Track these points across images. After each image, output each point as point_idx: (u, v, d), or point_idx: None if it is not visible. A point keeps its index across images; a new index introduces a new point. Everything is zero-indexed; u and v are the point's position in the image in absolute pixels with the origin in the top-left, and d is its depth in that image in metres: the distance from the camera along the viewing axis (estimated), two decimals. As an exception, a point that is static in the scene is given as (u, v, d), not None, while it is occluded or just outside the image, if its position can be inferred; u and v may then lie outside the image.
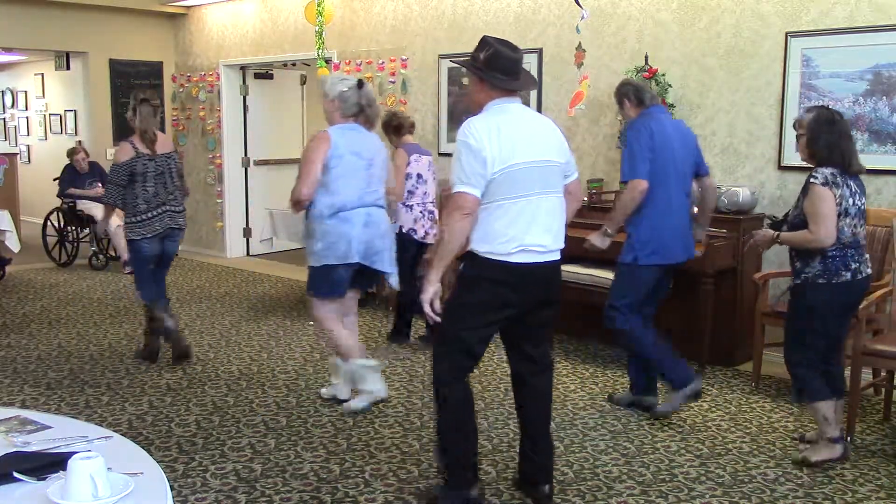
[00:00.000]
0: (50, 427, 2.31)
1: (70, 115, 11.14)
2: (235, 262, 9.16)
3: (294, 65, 9.23)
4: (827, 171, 3.50)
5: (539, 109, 6.38)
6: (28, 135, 12.51)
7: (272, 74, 9.49)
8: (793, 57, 5.09)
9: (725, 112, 5.44)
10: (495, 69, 3.10)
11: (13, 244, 7.66)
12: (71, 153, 8.69)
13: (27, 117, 12.53)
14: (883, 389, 4.42)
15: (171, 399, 4.59)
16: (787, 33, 5.12)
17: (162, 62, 9.81)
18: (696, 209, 4.45)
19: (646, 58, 5.68)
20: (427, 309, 3.11)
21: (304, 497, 3.40)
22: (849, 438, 3.93)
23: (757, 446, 3.94)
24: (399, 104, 7.32)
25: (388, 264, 4.36)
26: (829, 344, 3.70)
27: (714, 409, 4.44)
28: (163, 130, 9.75)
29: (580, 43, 5.72)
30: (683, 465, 3.72)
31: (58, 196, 8.76)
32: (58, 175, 8.78)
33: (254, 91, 9.40)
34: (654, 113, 4.21)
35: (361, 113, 4.29)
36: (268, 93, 9.51)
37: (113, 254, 8.58)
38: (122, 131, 9.65)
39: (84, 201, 8.54)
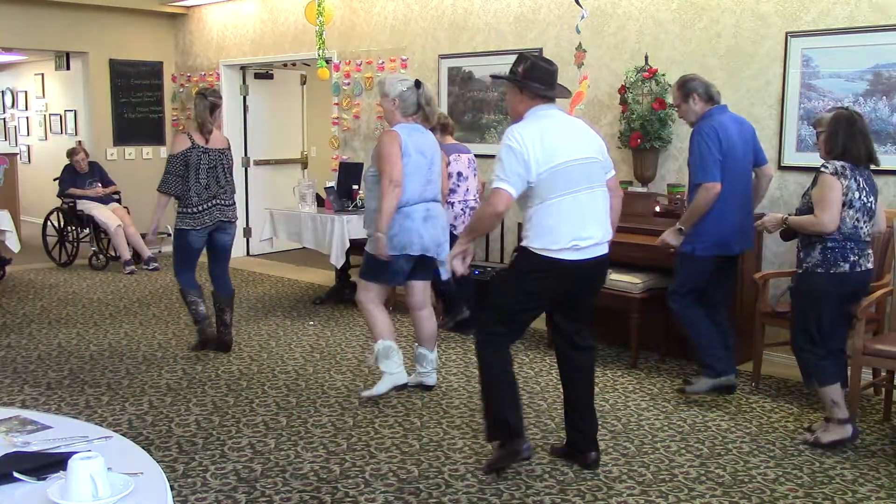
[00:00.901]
0: (50, 427, 2.31)
1: (70, 115, 11.14)
2: (235, 262, 9.14)
3: (294, 65, 9.24)
4: (838, 163, 3.68)
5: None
6: (28, 135, 12.51)
7: (272, 74, 9.49)
8: (793, 57, 5.10)
9: (725, 112, 5.43)
10: (533, 79, 3.45)
11: (13, 244, 7.66)
12: (71, 153, 8.70)
13: (27, 117, 12.53)
14: (883, 389, 4.42)
15: (171, 399, 4.59)
16: (787, 33, 5.12)
17: (162, 62, 9.81)
18: None
19: (646, 58, 5.68)
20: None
21: (304, 497, 3.40)
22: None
23: (757, 446, 3.94)
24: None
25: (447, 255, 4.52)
26: (825, 333, 3.82)
27: (714, 409, 4.44)
28: (161, 129, 9.85)
29: (580, 43, 5.72)
30: (683, 465, 3.72)
31: (58, 196, 8.77)
32: (58, 175, 8.78)
33: (254, 91, 9.40)
34: (715, 115, 4.34)
35: (420, 111, 4.46)
36: (268, 93, 9.51)
37: (113, 254, 8.58)
38: (122, 131, 9.69)
39: (84, 201, 8.54)
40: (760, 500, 3.40)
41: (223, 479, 3.57)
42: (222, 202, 5.27)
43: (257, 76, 9.40)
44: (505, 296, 3.52)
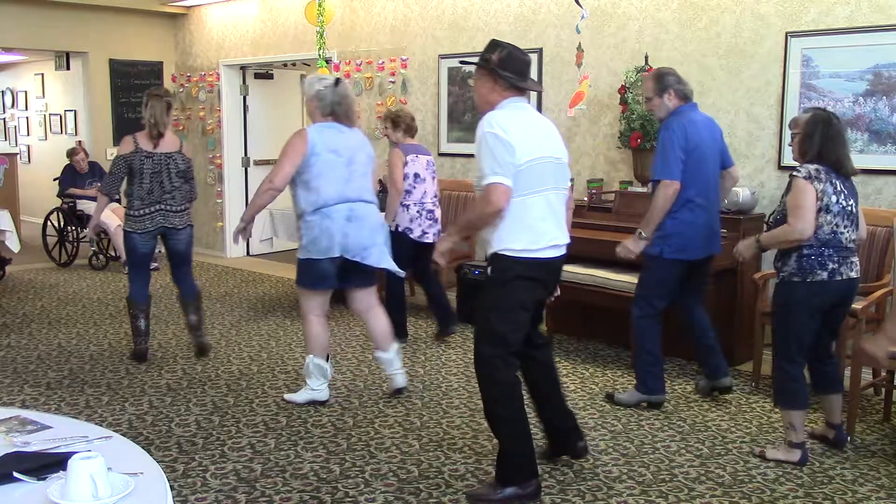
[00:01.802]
0: (50, 427, 2.31)
1: (70, 115, 11.14)
2: (235, 262, 9.17)
3: (294, 65, 9.23)
4: (811, 166, 3.50)
5: (539, 109, 6.37)
6: (28, 135, 12.51)
7: (272, 74, 9.50)
8: (793, 57, 5.09)
9: (725, 112, 5.43)
10: (508, 69, 3.23)
11: (13, 244, 7.66)
12: (71, 153, 8.70)
13: (27, 117, 12.53)
14: (883, 389, 4.42)
15: (171, 399, 4.59)
16: (787, 33, 5.12)
17: (162, 62, 9.81)
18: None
19: (646, 58, 5.68)
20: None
21: (304, 497, 3.40)
22: (849, 438, 3.93)
23: (757, 446, 3.94)
24: (399, 104, 7.32)
25: (379, 259, 4.37)
26: (804, 346, 3.63)
27: (714, 409, 4.44)
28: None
29: (580, 43, 5.72)
30: (683, 465, 3.72)
31: (58, 196, 8.77)
32: (58, 175, 8.78)
33: (254, 91, 9.40)
34: (687, 112, 4.24)
35: (334, 110, 4.32)
36: (268, 93, 9.51)
37: (113, 254, 8.58)
38: (122, 131, 9.65)
39: (84, 201, 8.54)
40: (760, 500, 3.40)
41: (223, 479, 3.57)
42: (167, 208, 5.08)
43: (257, 76, 9.40)
44: (495, 322, 3.22)
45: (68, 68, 10.36)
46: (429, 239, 5.48)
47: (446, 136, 7.14)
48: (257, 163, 9.45)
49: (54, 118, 11.66)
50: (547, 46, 6.31)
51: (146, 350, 5.29)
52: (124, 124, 9.67)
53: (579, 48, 5.71)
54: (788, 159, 5.17)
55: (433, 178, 5.61)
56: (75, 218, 8.67)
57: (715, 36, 5.46)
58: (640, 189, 5.70)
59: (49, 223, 8.99)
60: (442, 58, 7.06)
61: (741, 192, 5.10)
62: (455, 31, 6.93)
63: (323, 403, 4.45)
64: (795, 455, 3.69)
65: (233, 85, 9.27)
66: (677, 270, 4.29)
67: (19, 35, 8.88)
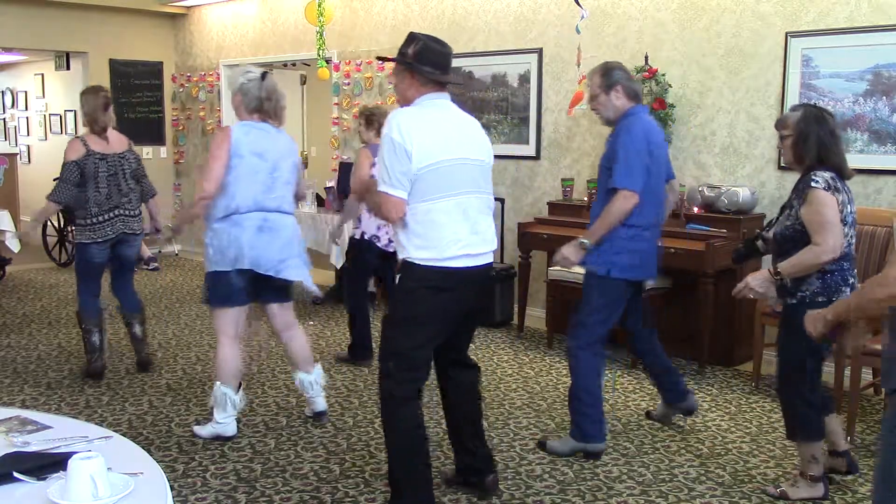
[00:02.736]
0: (50, 427, 2.31)
1: (70, 115, 11.13)
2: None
3: (294, 65, 9.23)
4: (826, 174, 3.14)
5: (539, 109, 6.38)
6: (28, 135, 12.51)
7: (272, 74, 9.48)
8: (793, 57, 5.09)
9: (725, 112, 5.44)
10: (425, 63, 3.02)
11: (13, 244, 7.66)
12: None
13: (27, 117, 12.52)
14: (882, 390, 4.41)
15: (171, 399, 4.59)
16: (787, 33, 5.12)
17: (162, 62, 9.81)
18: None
19: (646, 58, 5.68)
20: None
21: (304, 497, 3.40)
22: (849, 438, 3.92)
23: (757, 446, 3.94)
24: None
25: (297, 272, 4.01)
26: (820, 371, 3.32)
27: (714, 409, 4.44)
28: (161, 129, 9.84)
29: (580, 43, 5.72)
30: (683, 465, 3.72)
31: (58, 196, 8.75)
32: (58, 175, 8.76)
33: (254, 91, 9.38)
34: (641, 114, 3.77)
35: (262, 107, 3.94)
36: (268, 93, 9.49)
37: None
38: (122, 131, 9.59)
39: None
40: (760, 500, 3.40)
41: (223, 479, 3.57)
42: (126, 212, 4.82)
43: (257, 76, 9.38)
44: (398, 335, 3.04)
45: (68, 68, 10.36)
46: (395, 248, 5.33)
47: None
48: (257, 163, 9.43)
49: (54, 118, 11.66)
50: (547, 46, 6.31)
51: (103, 367, 4.94)
52: (124, 124, 9.66)
53: (579, 48, 5.71)
54: (788, 159, 5.17)
55: None
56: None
57: (715, 36, 5.46)
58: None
59: (49, 223, 8.98)
60: (442, 58, 7.05)
61: (741, 192, 5.10)
62: (455, 31, 6.93)
63: (229, 439, 3.97)
64: (819, 490, 3.37)
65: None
66: (627, 291, 3.80)
67: (19, 35, 8.88)
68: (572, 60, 5.85)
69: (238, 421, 4.10)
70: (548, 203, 6.13)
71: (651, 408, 4.40)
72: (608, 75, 3.75)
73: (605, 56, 5.96)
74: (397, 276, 3.09)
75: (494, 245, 3.16)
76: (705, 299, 4.98)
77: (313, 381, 4.20)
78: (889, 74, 4.75)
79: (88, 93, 4.87)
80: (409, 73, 3.06)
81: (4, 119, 13.22)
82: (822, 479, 3.39)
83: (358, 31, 7.77)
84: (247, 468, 3.67)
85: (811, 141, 3.18)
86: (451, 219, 2.96)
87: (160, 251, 8.90)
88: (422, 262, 2.97)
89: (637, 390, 4.75)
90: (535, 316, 6.11)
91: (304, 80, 9.73)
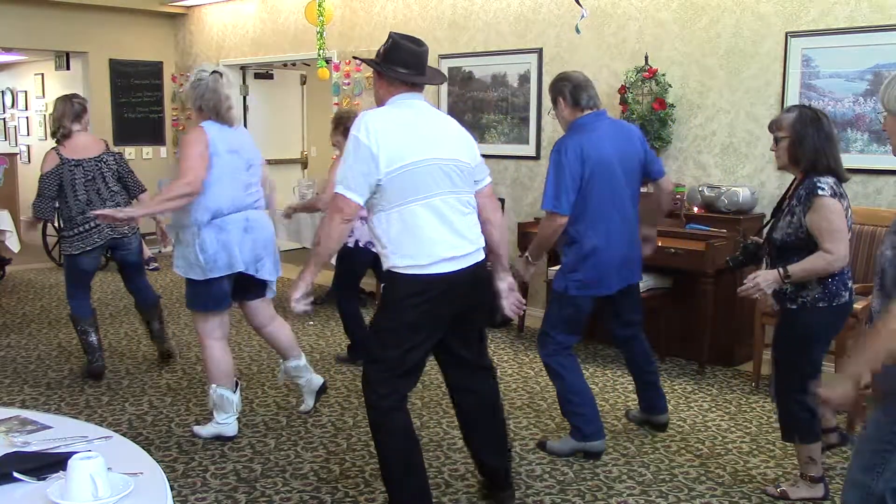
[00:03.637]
0: (50, 427, 2.31)
1: (70, 115, 11.12)
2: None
3: (294, 65, 9.23)
4: (829, 180, 3.12)
5: (539, 109, 6.38)
6: (28, 135, 12.50)
7: (272, 74, 9.49)
8: (793, 57, 5.09)
9: (725, 112, 5.44)
10: (394, 62, 2.93)
11: (13, 244, 7.66)
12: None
13: (27, 117, 12.52)
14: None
15: (171, 399, 4.59)
16: (787, 33, 5.12)
17: (162, 62, 9.81)
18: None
19: (646, 58, 5.68)
20: (293, 305, 2.98)
21: (304, 497, 3.40)
22: (849, 440, 3.92)
23: (757, 446, 3.94)
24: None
25: (270, 272, 4.01)
26: (818, 373, 3.27)
27: (714, 409, 4.44)
28: (161, 129, 9.84)
29: (580, 44, 5.72)
30: (683, 465, 3.72)
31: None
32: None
33: (254, 91, 9.40)
34: (587, 124, 3.67)
35: (201, 106, 3.83)
36: (268, 93, 9.51)
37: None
38: (122, 131, 9.68)
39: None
40: (760, 500, 3.40)
41: (223, 479, 3.57)
42: None
43: (257, 76, 9.40)
44: (381, 343, 2.95)
45: (68, 68, 10.35)
46: None
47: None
48: (257, 163, 9.45)
49: (54, 118, 11.65)
50: (547, 46, 6.31)
51: (103, 367, 4.94)
52: (124, 124, 9.67)
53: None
54: (788, 159, 5.17)
55: None
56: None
57: (715, 36, 5.45)
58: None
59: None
60: (442, 58, 7.05)
61: (741, 192, 5.11)
62: (455, 31, 6.93)
63: (230, 439, 3.97)
64: (820, 490, 3.38)
65: (233, 85, 9.24)
66: (587, 306, 3.75)
67: (19, 35, 8.88)
68: (572, 60, 5.85)
69: (238, 420, 4.10)
70: (548, 203, 6.11)
71: (632, 407, 4.38)
72: (552, 88, 3.76)
73: (605, 56, 5.97)
74: (382, 286, 3.02)
75: (480, 242, 3.01)
76: (705, 299, 4.99)
77: (305, 364, 4.23)
78: (889, 74, 4.74)
79: (60, 99, 4.87)
80: (378, 73, 2.99)
81: (4, 119, 13.22)
82: (822, 479, 3.40)
83: (358, 31, 7.77)
84: (247, 468, 3.67)
85: (807, 144, 3.15)
86: (426, 222, 2.85)
87: (160, 251, 8.88)
88: (405, 272, 2.87)
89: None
90: (535, 316, 6.11)
91: (304, 80, 9.73)
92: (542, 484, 3.53)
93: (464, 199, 2.97)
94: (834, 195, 3.08)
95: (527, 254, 3.81)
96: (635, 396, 4.64)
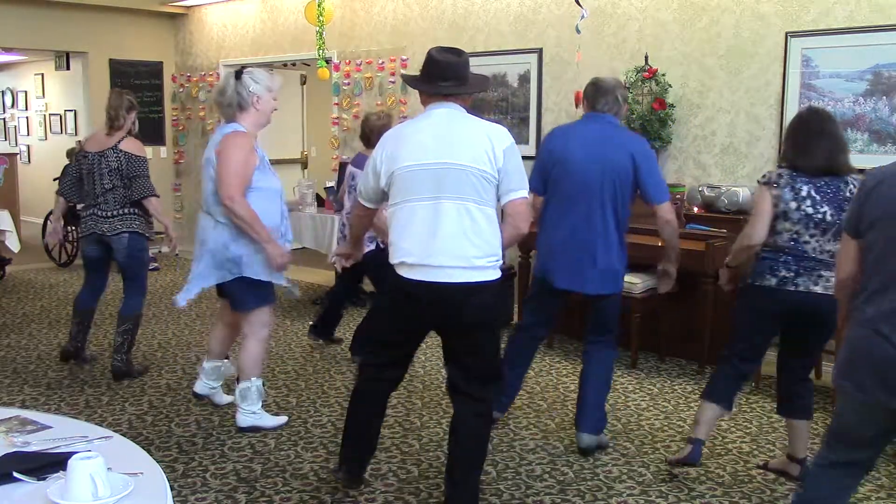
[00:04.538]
0: (50, 427, 2.31)
1: (70, 115, 11.15)
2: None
3: (294, 65, 9.23)
4: (776, 171, 3.35)
5: (539, 109, 6.38)
6: (28, 135, 12.52)
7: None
8: (793, 57, 5.09)
9: (725, 112, 5.44)
10: (424, 75, 3.13)
11: (13, 244, 7.66)
12: (71, 153, 8.69)
13: (27, 117, 12.53)
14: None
15: (171, 399, 4.59)
16: (787, 33, 5.12)
17: (162, 62, 9.81)
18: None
19: (646, 58, 5.68)
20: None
21: (304, 497, 3.40)
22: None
23: (757, 446, 3.94)
24: (399, 104, 7.32)
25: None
26: (746, 349, 3.44)
27: (714, 409, 4.44)
28: (161, 129, 9.84)
29: (580, 44, 5.72)
30: (683, 465, 3.72)
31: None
32: (58, 175, 8.76)
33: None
34: (576, 123, 3.92)
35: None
36: (268, 93, 9.50)
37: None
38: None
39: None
40: (760, 500, 3.40)
41: (223, 479, 3.57)
42: (98, 212, 4.79)
43: (257, 76, 9.39)
44: (374, 320, 3.37)
45: (68, 68, 10.36)
46: None
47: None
48: (257, 163, 9.44)
49: (54, 118, 11.67)
50: (547, 46, 6.31)
51: (70, 351, 5.11)
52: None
53: (579, 49, 5.70)
54: (788, 159, 5.18)
55: None
56: (75, 218, 8.64)
57: (715, 36, 5.46)
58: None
59: (49, 223, 8.98)
60: (442, 58, 7.06)
61: (741, 192, 5.11)
62: (455, 31, 6.93)
63: (276, 429, 4.10)
64: (686, 450, 3.50)
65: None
66: (546, 290, 3.84)
67: (19, 35, 8.88)
68: (572, 60, 5.85)
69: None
70: (548, 203, 6.12)
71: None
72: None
73: (605, 56, 5.97)
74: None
75: (469, 262, 2.87)
76: (705, 299, 4.98)
77: (223, 372, 4.41)
78: (889, 74, 4.75)
79: (112, 92, 5.04)
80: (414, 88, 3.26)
81: (4, 119, 13.22)
82: (694, 443, 3.48)
83: (358, 31, 7.77)
84: (247, 468, 3.67)
85: (788, 141, 3.41)
86: (401, 225, 2.96)
87: (160, 251, 8.89)
88: (393, 264, 3.03)
89: (637, 390, 4.76)
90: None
91: (304, 80, 9.73)
92: (542, 484, 3.53)
93: (456, 206, 2.89)
94: (766, 183, 3.33)
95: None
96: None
